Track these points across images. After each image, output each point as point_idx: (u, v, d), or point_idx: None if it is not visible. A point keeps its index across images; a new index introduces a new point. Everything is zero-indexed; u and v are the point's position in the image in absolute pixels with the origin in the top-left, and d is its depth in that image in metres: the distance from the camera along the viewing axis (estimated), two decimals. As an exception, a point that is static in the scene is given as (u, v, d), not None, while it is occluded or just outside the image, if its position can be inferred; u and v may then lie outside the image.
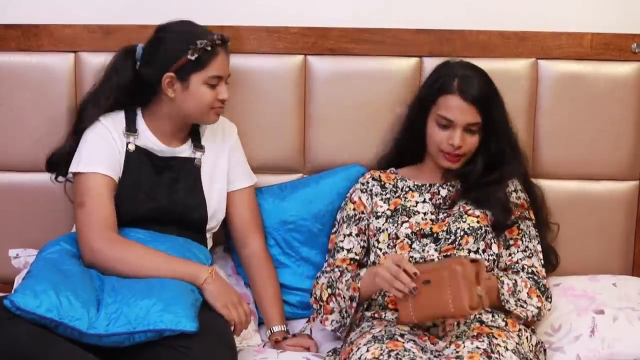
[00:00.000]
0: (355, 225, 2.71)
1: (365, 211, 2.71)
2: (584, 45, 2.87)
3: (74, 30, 2.86)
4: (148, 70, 2.59)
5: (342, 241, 2.70)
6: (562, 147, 2.91)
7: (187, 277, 2.45)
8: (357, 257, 2.68)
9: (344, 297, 2.56)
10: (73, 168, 2.60)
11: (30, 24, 2.86)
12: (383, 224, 2.65)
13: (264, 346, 2.70)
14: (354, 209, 2.72)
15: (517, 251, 2.62)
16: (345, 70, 2.89)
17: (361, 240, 2.70)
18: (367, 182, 2.75)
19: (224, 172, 2.73)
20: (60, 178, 2.70)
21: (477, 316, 2.45)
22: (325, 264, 2.73)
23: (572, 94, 2.89)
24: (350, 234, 2.70)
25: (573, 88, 2.88)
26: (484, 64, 2.81)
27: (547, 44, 2.87)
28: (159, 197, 2.62)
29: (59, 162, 2.68)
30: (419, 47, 2.87)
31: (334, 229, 2.78)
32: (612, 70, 2.88)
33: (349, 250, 2.69)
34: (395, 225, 2.63)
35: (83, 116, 2.65)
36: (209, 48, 2.54)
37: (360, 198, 2.72)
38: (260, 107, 2.90)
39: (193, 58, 2.53)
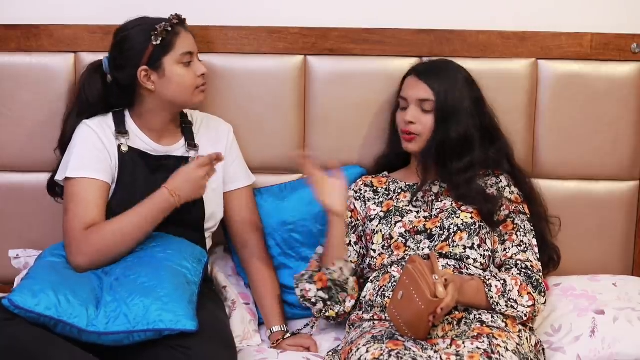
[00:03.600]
0: (353, 233, 2.71)
1: (359, 218, 2.71)
2: (584, 45, 2.87)
3: (74, 31, 2.87)
4: (122, 74, 2.60)
5: None
6: (562, 147, 2.91)
7: (165, 212, 2.52)
8: (354, 265, 2.69)
9: (309, 278, 2.62)
10: (60, 175, 2.60)
11: (30, 25, 2.86)
12: (377, 226, 2.66)
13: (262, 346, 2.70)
14: (350, 217, 2.73)
15: (512, 246, 2.62)
16: (345, 71, 2.89)
17: (360, 248, 2.71)
18: (360, 189, 2.76)
19: (219, 172, 2.73)
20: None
21: (477, 316, 2.45)
22: None
23: (572, 94, 2.89)
24: (349, 243, 2.70)
25: (573, 88, 2.88)
26: (484, 64, 2.83)
27: (547, 44, 2.87)
28: (155, 196, 2.62)
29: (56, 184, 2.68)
30: (419, 47, 2.87)
31: None
32: (612, 70, 2.88)
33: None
34: (389, 226, 2.64)
35: (66, 131, 2.67)
36: (170, 29, 2.56)
37: (354, 205, 2.73)
38: (260, 108, 2.90)
39: (158, 42, 2.55)
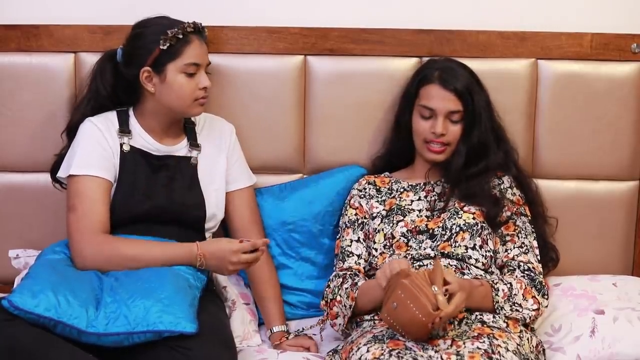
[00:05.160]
0: (361, 230, 2.71)
1: (366, 216, 2.71)
2: (584, 45, 2.87)
3: (74, 31, 2.87)
4: (127, 69, 2.60)
5: (349, 246, 2.71)
6: (562, 147, 2.91)
7: (184, 264, 2.49)
8: (366, 264, 2.69)
9: (345, 305, 2.57)
10: (65, 171, 2.60)
11: (30, 25, 2.86)
12: (378, 225, 2.65)
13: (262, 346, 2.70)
14: (355, 214, 2.73)
15: (514, 247, 2.63)
16: (345, 71, 2.89)
17: (367, 246, 2.71)
18: (364, 188, 2.76)
19: (222, 172, 2.73)
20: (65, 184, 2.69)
21: (478, 316, 2.45)
22: (336, 269, 2.72)
23: (572, 94, 2.89)
24: (358, 240, 2.70)
25: (573, 88, 2.88)
26: (484, 64, 2.83)
27: (547, 44, 2.87)
28: (156, 196, 2.61)
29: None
30: (418, 47, 2.87)
31: (339, 235, 2.78)
32: (612, 70, 2.88)
33: (359, 256, 2.69)
34: (391, 225, 2.64)
35: (73, 122, 2.67)
36: (181, 36, 2.54)
37: (360, 203, 2.73)
38: (260, 108, 2.90)
39: (165, 47, 2.53)
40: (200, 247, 2.50)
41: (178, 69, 2.56)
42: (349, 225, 2.73)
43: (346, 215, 2.76)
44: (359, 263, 2.68)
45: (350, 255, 2.69)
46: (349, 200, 2.77)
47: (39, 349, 2.23)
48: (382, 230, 2.65)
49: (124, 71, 2.62)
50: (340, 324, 2.61)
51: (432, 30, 2.87)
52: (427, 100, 2.65)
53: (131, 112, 2.67)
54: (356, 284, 2.57)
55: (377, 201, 2.71)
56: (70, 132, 2.67)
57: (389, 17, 2.91)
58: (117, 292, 2.35)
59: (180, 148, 2.69)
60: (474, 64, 2.76)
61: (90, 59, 2.80)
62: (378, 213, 2.68)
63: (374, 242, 2.65)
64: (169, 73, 2.56)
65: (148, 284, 2.37)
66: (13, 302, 2.26)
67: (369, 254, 2.69)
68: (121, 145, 2.62)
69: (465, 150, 2.64)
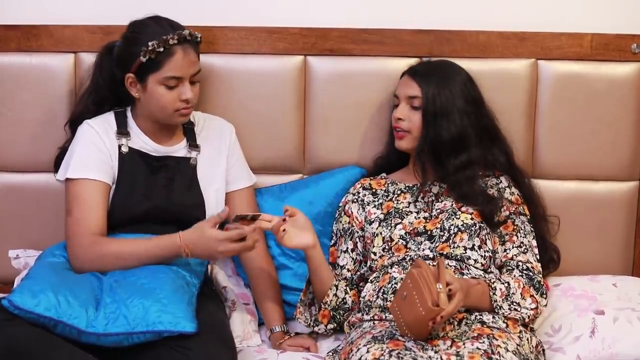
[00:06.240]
0: (350, 239, 2.72)
1: (355, 223, 2.71)
2: (583, 46, 2.87)
3: (74, 31, 2.87)
4: (117, 71, 2.60)
5: (338, 257, 2.73)
6: (562, 147, 2.91)
7: (172, 259, 2.49)
8: (349, 274, 2.70)
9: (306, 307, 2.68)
10: (62, 174, 2.61)
11: (30, 25, 2.87)
12: (377, 228, 2.65)
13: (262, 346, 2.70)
14: (348, 222, 2.73)
15: (512, 247, 2.63)
16: (345, 71, 2.89)
17: (356, 254, 2.71)
18: (358, 192, 2.76)
19: (222, 173, 2.73)
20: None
21: (478, 317, 2.45)
22: None
23: (571, 94, 2.89)
24: (346, 250, 2.72)
25: (573, 88, 2.88)
26: (484, 64, 2.83)
27: (547, 44, 2.87)
28: (155, 197, 2.62)
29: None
30: (418, 47, 2.87)
31: (332, 241, 2.79)
32: (612, 70, 2.88)
33: (342, 267, 2.71)
34: (389, 228, 2.63)
35: (75, 114, 2.68)
36: (162, 49, 2.51)
37: (352, 210, 2.73)
38: (260, 108, 2.90)
39: (144, 60, 2.52)
40: (183, 238, 2.48)
41: (158, 81, 2.55)
42: (342, 233, 2.74)
43: (340, 222, 2.76)
44: (341, 273, 2.71)
45: (336, 267, 2.72)
46: (344, 206, 2.77)
47: (39, 349, 2.24)
48: (381, 234, 2.64)
49: (115, 72, 2.62)
50: (306, 320, 2.67)
51: (432, 30, 2.87)
52: (397, 88, 2.71)
53: (129, 113, 2.67)
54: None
55: (374, 206, 2.71)
56: (73, 124, 2.68)
57: (389, 17, 2.91)
58: (117, 292, 2.36)
59: (179, 149, 2.69)
60: (474, 64, 2.77)
61: (90, 59, 2.80)
62: (376, 217, 2.68)
63: (373, 246, 2.65)
64: (150, 83, 2.55)
65: (147, 284, 2.38)
66: (13, 301, 2.26)
67: (360, 261, 2.71)
68: (120, 146, 2.62)
69: (428, 138, 2.63)
